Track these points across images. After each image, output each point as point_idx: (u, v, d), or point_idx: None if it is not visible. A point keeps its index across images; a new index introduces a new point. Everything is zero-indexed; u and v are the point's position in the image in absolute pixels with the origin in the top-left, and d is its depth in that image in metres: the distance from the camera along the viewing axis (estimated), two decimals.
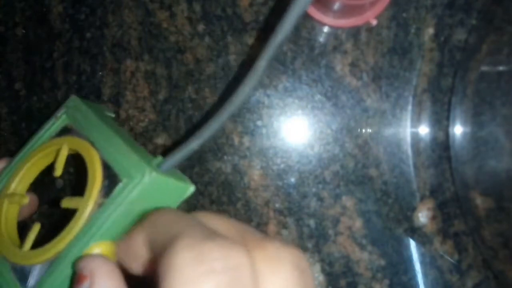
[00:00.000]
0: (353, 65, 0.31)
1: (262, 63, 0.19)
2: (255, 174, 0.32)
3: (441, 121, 0.31)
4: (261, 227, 0.32)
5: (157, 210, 0.19)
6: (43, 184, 0.29)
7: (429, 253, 0.30)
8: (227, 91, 0.32)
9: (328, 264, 0.31)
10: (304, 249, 0.31)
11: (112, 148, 0.24)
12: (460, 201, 0.30)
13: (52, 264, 0.22)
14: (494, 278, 0.30)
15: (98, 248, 0.22)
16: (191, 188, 0.24)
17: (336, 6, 0.28)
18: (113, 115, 0.31)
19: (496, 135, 0.30)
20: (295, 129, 0.32)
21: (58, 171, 0.25)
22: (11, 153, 0.36)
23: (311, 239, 0.31)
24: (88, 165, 0.24)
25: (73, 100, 0.27)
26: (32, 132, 0.36)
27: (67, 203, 0.23)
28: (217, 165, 0.32)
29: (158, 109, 0.33)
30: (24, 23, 0.36)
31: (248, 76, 0.20)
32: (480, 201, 0.31)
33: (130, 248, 0.19)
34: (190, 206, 0.33)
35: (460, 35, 0.30)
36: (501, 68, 0.30)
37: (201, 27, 0.33)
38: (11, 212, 0.26)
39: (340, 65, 0.31)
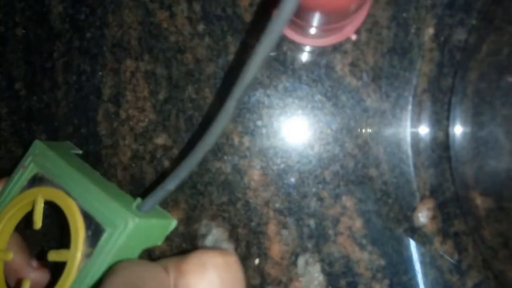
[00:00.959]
0: (353, 65, 0.31)
1: (232, 103, 0.20)
2: (255, 174, 0.32)
3: (441, 121, 0.31)
4: (261, 227, 0.32)
5: (115, 267, 0.21)
6: (24, 236, 0.29)
7: (429, 253, 0.30)
8: (227, 91, 0.32)
9: (328, 264, 0.31)
10: (304, 249, 0.31)
11: (88, 196, 0.23)
12: (460, 201, 0.30)
13: None
14: (494, 278, 0.30)
15: None
16: (173, 223, 0.25)
17: (312, 31, 0.28)
18: (80, 152, 0.31)
19: (496, 135, 0.30)
20: (295, 129, 0.32)
21: (38, 224, 0.25)
22: (11, 153, 0.37)
23: (311, 239, 0.31)
24: (68, 215, 0.23)
25: (38, 146, 0.27)
26: (32, 132, 0.36)
27: (54, 256, 0.23)
28: (217, 165, 0.32)
29: (158, 109, 0.33)
30: (24, 23, 0.36)
31: (219, 116, 0.20)
32: (480, 201, 0.31)
33: None
34: (190, 206, 0.33)
35: (460, 35, 0.30)
36: (501, 68, 0.30)
37: (201, 27, 0.33)
38: None
39: (340, 65, 0.31)
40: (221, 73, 0.32)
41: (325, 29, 0.28)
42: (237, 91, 0.20)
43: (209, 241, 0.32)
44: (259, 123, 0.32)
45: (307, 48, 0.31)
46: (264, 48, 0.18)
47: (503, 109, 0.30)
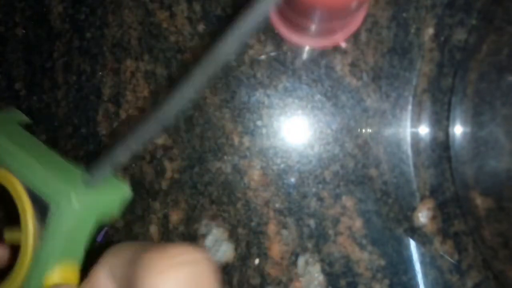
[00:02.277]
0: (353, 65, 0.31)
1: (199, 77, 0.18)
2: (255, 174, 0.32)
3: (441, 121, 0.31)
4: (261, 227, 0.32)
5: (111, 247, 0.20)
6: None
7: (429, 253, 0.30)
8: (227, 91, 0.32)
9: (328, 264, 0.31)
10: (304, 249, 0.31)
11: (31, 174, 0.22)
12: (460, 201, 0.30)
13: None
14: (494, 278, 0.30)
15: (57, 275, 0.21)
16: (128, 191, 0.23)
17: (311, 29, 0.28)
18: (28, 121, 0.29)
19: (496, 135, 0.30)
20: (295, 129, 0.32)
21: None
22: None
23: (311, 239, 0.31)
24: (14, 196, 0.23)
25: None
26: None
27: (9, 236, 0.23)
28: (217, 165, 0.32)
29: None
30: (24, 23, 0.36)
31: (183, 85, 0.18)
32: (480, 201, 0.31)
33: (94, 286, 0.20)
34: (190, 206, 0.33)
35: (460, 35, 0.30)
36: (501, 68, 0.30)
37: (201, 27, 0.33)
38: None
39: (340, 65, 0.31)
40: (221, 73, 0.32)
41: (324, 29, 0.28)
42: (204, 64, 0.18)
43: (209, 241, 0.32)
44: (259, 123, 0.32)
45: (306, 48, 0.32)
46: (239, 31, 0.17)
47: (503, 109, 0.30)
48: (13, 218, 0.23)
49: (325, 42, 0.30)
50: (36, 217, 0.22)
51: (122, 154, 0.20)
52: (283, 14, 0.29)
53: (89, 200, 0.21)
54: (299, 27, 0.29)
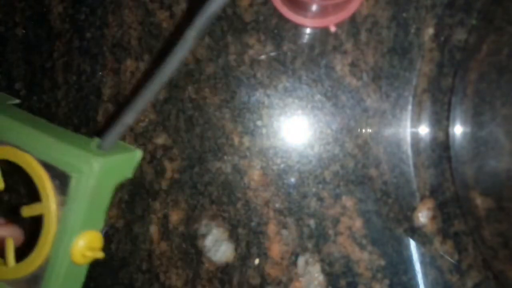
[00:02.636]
0: (353, 65, 0.31)
1: (192, 33, 0.19)
2: (255, 174, 0.32)
3: (441, 121, 0.31)
4: (261, 227, 0.32)
5: None
6: None
7: (429, 253, 0.31)
8: (227, 91, 0.32)
9: (328, 264, 0.31)
10: (304, 249, 0.31)
11: (42, 147, 0.23)
12: (460, 201, 0.30)
13: (45, 269, 0.22)
14: (494, 278, 0.30)
15: (82, 240, 0.22)
16: (138, 153, 0.24)
17: (312, 8, 0.28)
18: (17, 101, 0.29)
19: (496, 135, 0.30)
20: (295, 129, 0.32)
21: (0, 185, 0.24)
22: None
23: (311, 239, 0.31)
24: (28, 170, 0.23)
25: None
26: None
27: (28, 211, 0.23)
28: (217, 165, 0.32)
29: (158, 109, 0.33)
30: (24, 23, 0.36)
31: (178, 46, 0.19)
32: (480, 201, 0.31)
33: None
34: (190, 206, 0.33)
35: (460, 35, 0.30)
36: (501, 68, 0.30)
37: None
38: None
39: (340, 65, 0.31)
40: (221, 73, 0.32)
41: (325, 6, 0.28)
42: (198, 21, 0.19)
43: (209, 241, 0.32)
44: (259, 123, 0.32)
45: (303, 32, 0.31)
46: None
47: (503, 109, 0.30)
48: (28, 196, 0.23)
49: (317, 23, 0.30)
50: (54, 186, 0.22)
51: (130, 116, 0.21)
52: None
53: (107, 162, 0.22)
54: (297, 5, 0.29)
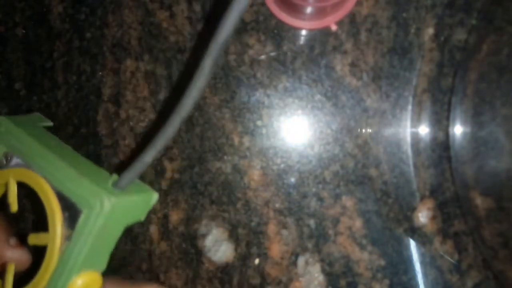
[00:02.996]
0: (353, 65, 0.31)
1: (208, 62, 0.18)
2: (255, 174, 0.32)
3: (441, 121, 0.31)
4: (261, 227, 0.32)
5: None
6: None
7: (429, 253, 0.31)
8: (227, 91, 0.32)
9: (328, 264, 0.31)
10: (304, 249, 0.31)
11: (60, 175, 0.22)
12: (460, 201, 0.30)
13: None
14: (494, 278, 0.30)
15: (81, 280, 0.21)
16: (154, 196, 0.24)
17: (309, 10, 0.28)
18: (50, 124, 0.29)
19: (496, 135, 0.30)
20: (295, 129, 0.32)
21: (14, 207, 0.24)
22: None
23: (311, 239, 0.31)
24: (42, 197, 0.22)
25: (3, 123, 0.25)
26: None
27: (34, 239, 0.23)
28: (217, 165, 0.32)
29: (158, 109, 0.33)
30: (24, 23, 0.36)
31: (195, 78, 0.19)
32: (480, 201, 0.31)
33: None
34: (190, 206, 0.33)
35: (460, 35, 0.30)
36: (501, 68, 0.30)
37: (201, 27, 0.33)
38: None
39: (340, 65, 0.31)
40: (221, 73, 0.32)
41: (317, 11, 0.28)
42: (213, 49, 0.18)
43: (209, 241, 0.32)
44: (259, 123, 0.32)
45: (303, 32, 0.31)
46: (238, 3, 0.17)
47: (503, 109, 0.30)
48: (40, 221, 0.23)
49: (316, 25, 0.30)
50: (63, 218, 0.22)
51: (150, 155, 0.21)
52: None
53: (120, 203, 0.21)
54: (294, 9, 0.29)
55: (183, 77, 0.33)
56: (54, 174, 0.22)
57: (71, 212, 0.22)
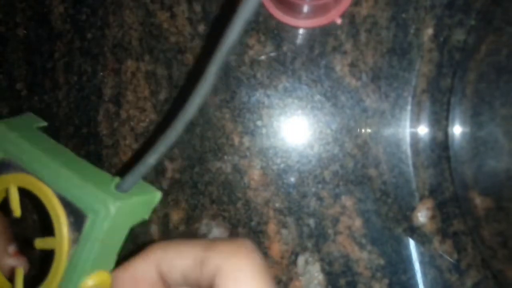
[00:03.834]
0: (352, 65, 0.31)
1: (213, 69, 0.19)
2: (255, 174, 0.32)
3: (440, 121, 0.31)
4: (261, 226, 0.32)
5: (156, 243, 0.22)
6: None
7: (428, 253, 0.31)
8: (227, 91, 0.32)
9: (327, 263, 0.31)
10: (304, 248, 0.32)
11: (62, 181, 0.22)
12: (459, 201, 0.31)
13: None
14: (493, 278, 0.30)
15: (91, 280, 0.22)
16: (158, 195, 0.24)
17: (306, 8, 0.28)
18: (44, 124, 0.29)
19: (495, 135, 0.31)
20: (295, 129, 0.32)
21: (17, 212, 0.24)
22: None
23: (311, 239, 0.32)
24: (45, 203, 0.22)
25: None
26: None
27: (40, 244, 0.22)
28: (217, 165, 0.32)
29: (158, 109, 0.33)
30: (25, 23, 0.36)
31: (199, 84, 0.19)
32: (479, 201, 0.31)
33: (137, 275, 0.22)
34: (191, 206, 0.33)
35: (459, 35, 0.30)
36: (500, 68, 0.30)
37: (201, 28, 0.33)
38: None
39: (340, 66, 0.31)
40: (221, 73, 0.32)
41: (318, 7, 0.28)
42: (218, 57, 0.18)
43: None
44: (259, 123, 0.32)
45: (300, 31, 0.31)
46: (244, 12, 0.17)
47: (502, 109, 0.30)
48: (43, 225, 0.23)
49: (320, 22, 0.30)
50: (69, 223, 0.22)
51: (153, 158, 0.21)
52: None
53: (125, 206, 0.22)
54: (292, 8, 0.29)
55: (184, 78, 0.33)
56: (55, 180, 0.22)
57: (76, 217, 0.22)
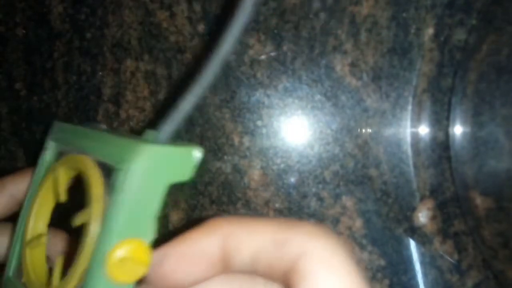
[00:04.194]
0: (353, 65, 0.31)
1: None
2: (255, 174, 0.32)
3: (441, 121, 0.31)
4: None
5: (219, 217, 0.19)
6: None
7: (429, 253, 0.31)
8: (227, 91, 0.32)
9: None
10: None
11: (100, 145, 0.21)
12: (460, 201, 0.30)
13: (85, 280, 0.19)
14: (494, 278, 0.30)
15: (122, 249, 0.19)
16: (197, 151, 0.20)
17: None
18: (104, 127, 0.29)
19: (496, 135, 0.30)
20: (295, 129, 0.32)
21: (62, 196, 0.23)
22: (11, 153, 0.37)
23: None
24: (83, 171, 0.21)
25: (57, 125, 0.25)
26: (32, 132, 0.36)
27: (77, 220, 0.20)
28: (217, 165, 0.32)
29: (158, 109, 0.33)
30: (24, 23, 0.36)
31: (236, 16, 0.17)
32: (480, 201, 0.31)
33: (196, 250, 0.19)
34: (190, 206, 0.33)
35: (460, 35, 0.30)
36: (500, 68, 0.30)
37: (201, 27, 0.33)
38: (37, 257, 0.24)
39: (340, 65, 0.31)
40: (221, 73, 0.32)
41: None
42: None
43: None
44: (259, 123, 0.32)
45: (304, 32, 0.31)
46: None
47: (503, 109, 0.30)
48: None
49: None
50: (105, 188, 0.20)
51: (189, 102, 0.19)
52: None
53: (158, 154, 0.19)
54: None
55: (183, 77, 0.33)
56: (95, 146, 0.21)
57: (110, 177, 0.20)
